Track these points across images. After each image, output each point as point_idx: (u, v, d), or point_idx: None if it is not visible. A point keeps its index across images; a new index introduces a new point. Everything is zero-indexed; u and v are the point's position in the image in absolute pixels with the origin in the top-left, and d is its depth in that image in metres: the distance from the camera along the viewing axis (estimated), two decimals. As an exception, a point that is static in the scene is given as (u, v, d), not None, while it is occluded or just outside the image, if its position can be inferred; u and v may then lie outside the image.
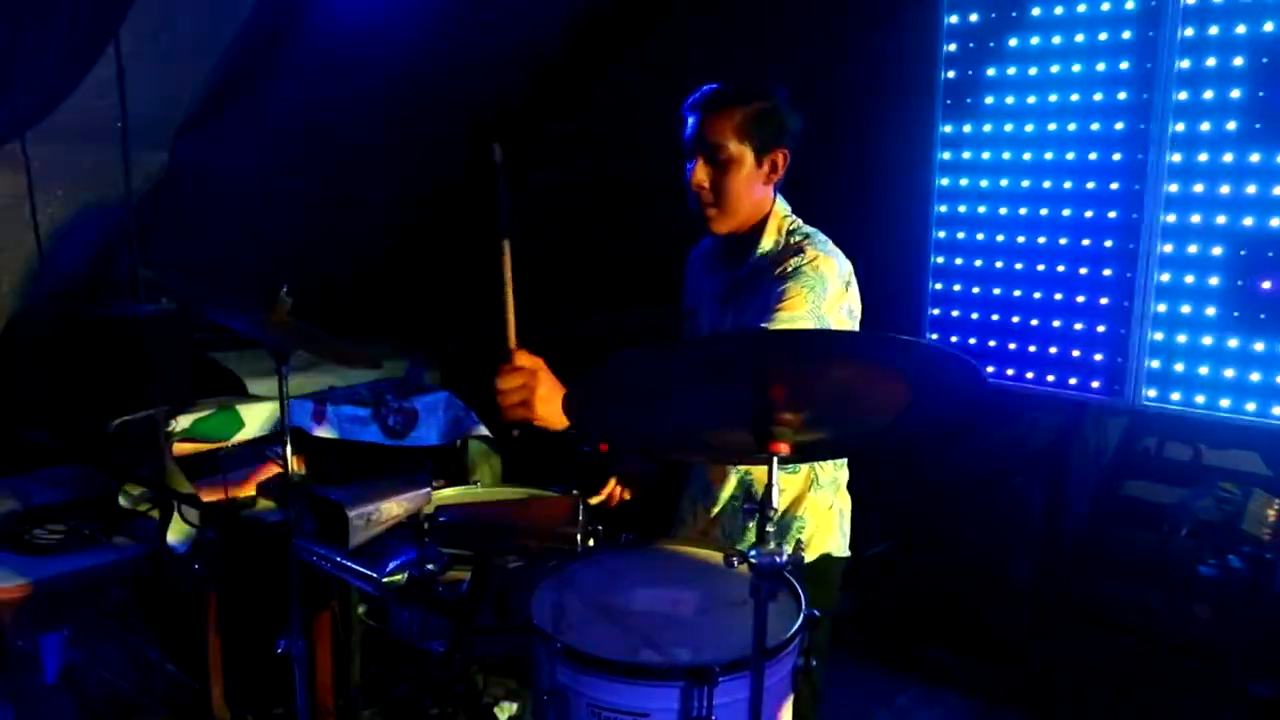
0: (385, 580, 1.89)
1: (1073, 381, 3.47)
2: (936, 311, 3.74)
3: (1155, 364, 3.27)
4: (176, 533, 2.57)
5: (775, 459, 1.53)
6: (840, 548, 2.40)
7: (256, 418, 2.99)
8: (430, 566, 1.91)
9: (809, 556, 2.30)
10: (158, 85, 3.25)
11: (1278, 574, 1.31)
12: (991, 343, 3.63)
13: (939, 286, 3.74)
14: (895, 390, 1.52)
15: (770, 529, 1.54)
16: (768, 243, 2.24)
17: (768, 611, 1.56)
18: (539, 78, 4.21)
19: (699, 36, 3.97)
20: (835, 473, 2.37)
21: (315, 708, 3.04)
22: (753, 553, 1.53)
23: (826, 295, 2.11)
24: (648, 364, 1.49)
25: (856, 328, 2.22)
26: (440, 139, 4.19)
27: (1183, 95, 3.14)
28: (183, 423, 2.82)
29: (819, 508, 2.32)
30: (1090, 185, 3.35)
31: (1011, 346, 3.59)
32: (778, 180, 2.25)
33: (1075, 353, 3.44)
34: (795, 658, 1.85)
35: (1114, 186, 3.30)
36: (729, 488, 2.35)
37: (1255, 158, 3.03)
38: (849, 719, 3.67)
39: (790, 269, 2.13)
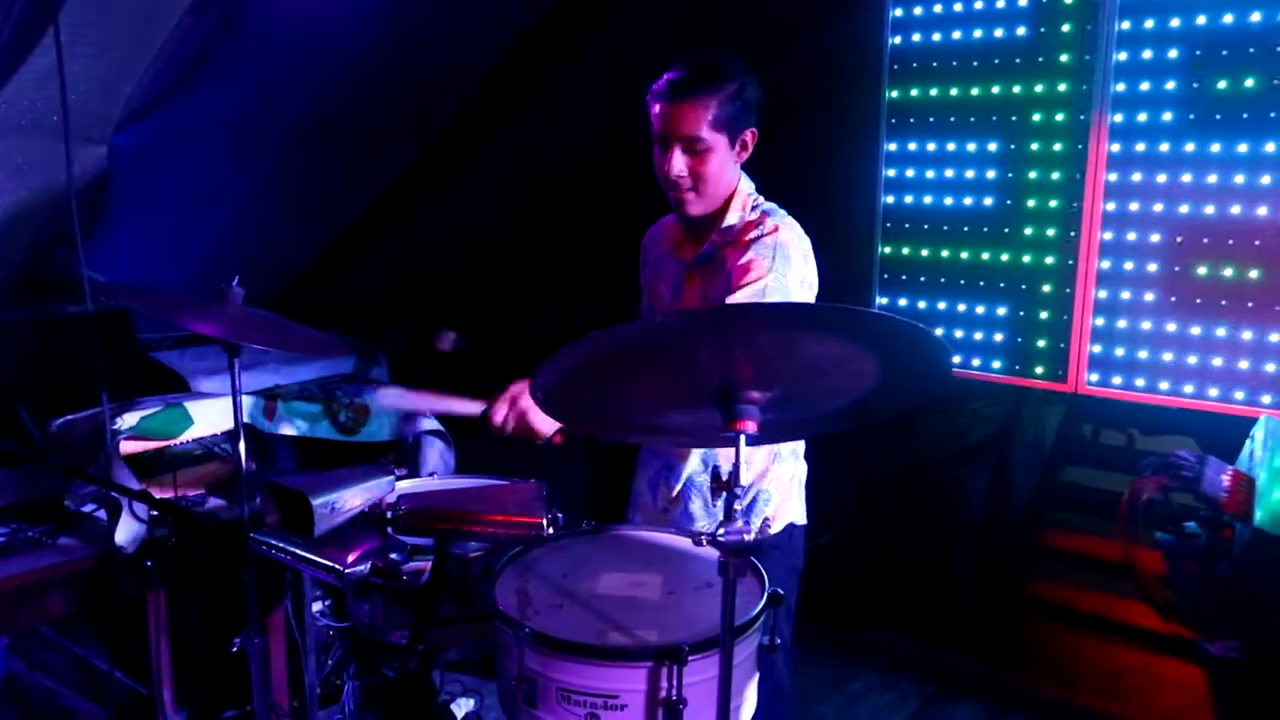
0: (348, 571, 1.87)
1: (1017, 368, 3.54)
2: (884, 300, 3.80)
3: (1097, 349, 3.35)
4: (126, 532, 2.51)
5: (743, 438, 1.54)
6: (801, 515, 2.45)
7: (206, 414, 2.93)
8: (394, 556, 1.89)
9: (775, 528, 2.34)
10: (95, 77, 3.18)
11: (1236, 537, 1.36)
12: (938, 331, 3.69)
13: (886, 276, 3.79)
14: (861, 368, 1.54)
15: (739, 506, 1.55)
16: (732, 218, 2.27)
17: (719, 593, 1.57)
18: (491, 74, 4.19)
19: (647, 32, 3.99)
20: (795, 444, 2.42)
21: (270, 708, 3.00)
22: (721, 531, 1.54)
23: (789, 265, 2.16)
24: (612, 343, 1.49)
25: (811, 294, 2.26)
26: (389, 134, 4.15)
27: (1120, 87, 3.23)
28: (129, 420, 2.76)
29: (782, 480, 2.37)
30: (1033, 175, 3.42)
31: (958, 334, 3.65)
32: (748, 158, 2.29)
33: (1019, 339, 3.51)
34: (760, 636, 1.87)
35: (1055, 176, 3.38)
36: (692, 463, 2.38)
37: (1190, 147, 3.13)
38: (802, 705, 3.70)
39: (751, 239, 2.19)
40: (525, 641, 1.73)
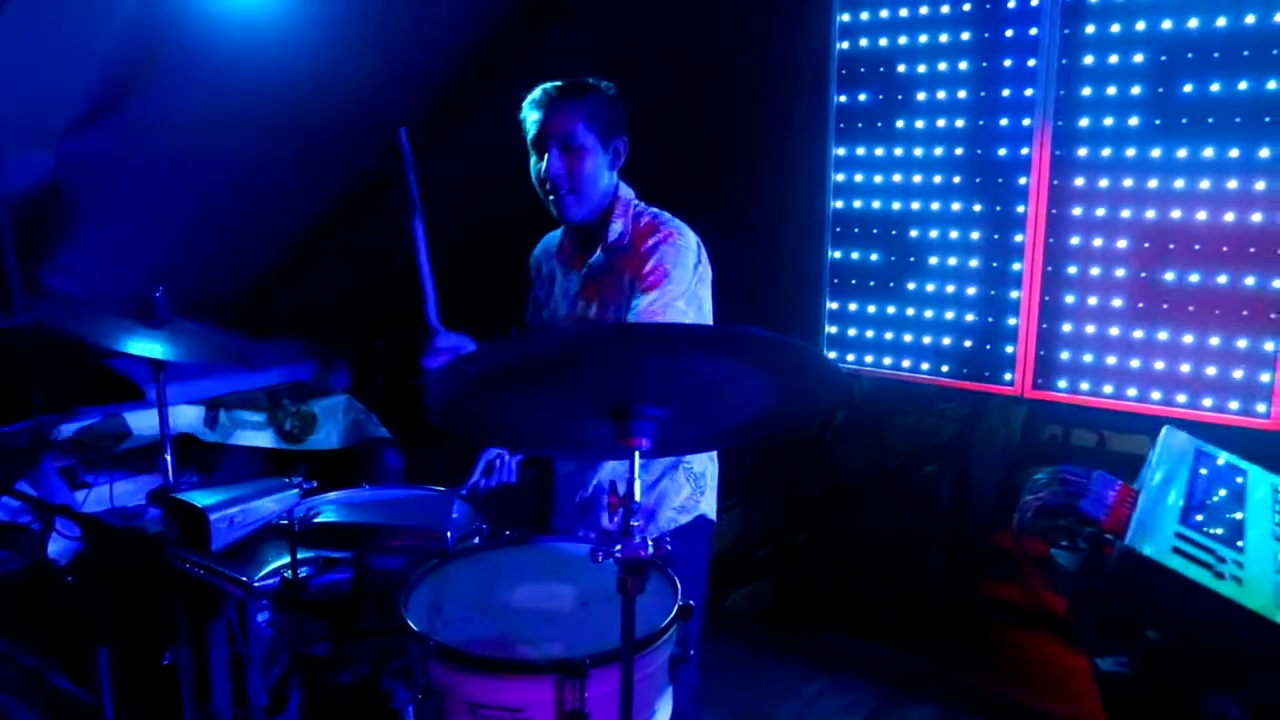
0: (256, 585, 1.87)
1: (965, 371, 3.54)
2: (834, 305, 3.79)
3: (1043, 353, 3.36)
4: (57, 544, 2.51)
5: (637, 454, 1.54)
6: (713, 510, 2.50)
7: (145, 424, 2.93)
8: (305, 570, 1.89)
9: (685, 519, 2.41)
10: (37, 83, 3.16)
11: (1114, 553, 1.36)
12: (888, 335, 3.69)
13: (836, 280, 3.79)
14: (757, 388, 1.54)
15: (636, 522, 1.55)
16: (617, 226, 2.35)
17: (642, 602, 1.57)
18: (444, 81, 4.18)
19: (598, 38, 3.98)
20: None
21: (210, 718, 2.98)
22: (617, 547, 1.54)
23: (687, 268, 2.25)
24: (509, 356, 1.48)
25: (710, 293, 2.34)
26: (342, 140, 4.13)
27: (1062, 91, 3.23)
28: (66, 431, 2.76)
29: (692, 472, 2.43)
30: (978, 180, 3.43)
31: (907, 339, 3.65)
32: (620, 166, 2.37)
33: (967, 343, 3.51)
34: (671, 648, 1.86)
35: (1000, 181, 3.38)
36: (604, 469, 2.42)
37: (1130, 152, 3.13)
38: (756, 708, 3.70)
39: (648, 247, 2.26)
40: (431, 654, 1.74)
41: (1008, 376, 3.45)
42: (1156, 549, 1.34)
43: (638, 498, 1.55)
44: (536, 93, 2.32)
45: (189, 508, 1.74)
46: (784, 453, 4.79)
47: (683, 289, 2.21)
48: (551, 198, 2.32)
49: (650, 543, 1.55)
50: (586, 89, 2.31)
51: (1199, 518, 1.50)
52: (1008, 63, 3.32)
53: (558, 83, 2.31)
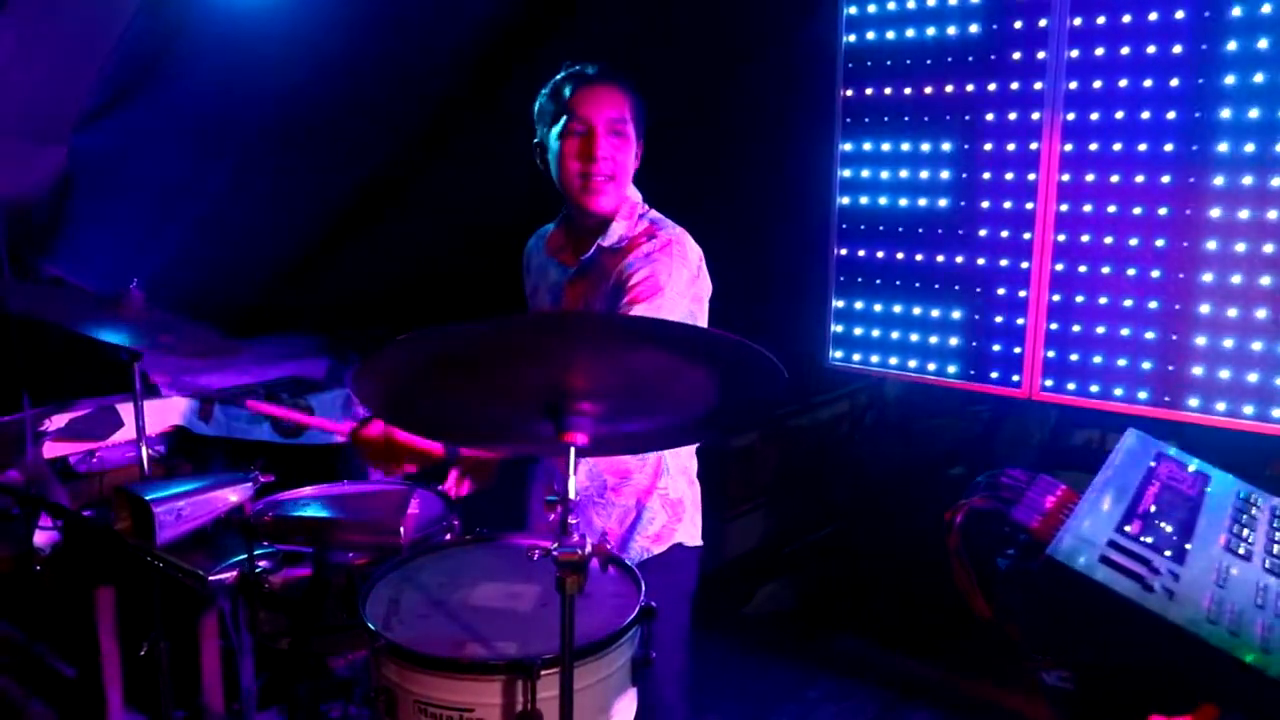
0: (211, 579, 1.86)
1: (972, 372, 3.46)
2: (841, 303, 3.73)
3: (1051, 354, 3.27)
4: (41, 534, 2.53)
5: (572, 449, 1.51)
6: (692, 537, 2.38)
7: (138, 417, 2.94)
8: (262, 564, 1.87)
9: (659, 548, 2.30)
10: (49, 77, 3.19)
11: (1041, 563, 1.30)
12: (894, 334, 3.62)
13: (842, 278, 3.72)
14: (698, 385, 1.50)
15: (573, 520, 1.52)
16: (619, 227, 2.22)
17: (602, 602, 1.54)
18: (453, 76, 4.17)
19: (606, 39, 3.95)
20: (685, 462, 2.36)
21: (203, 712, 2.99)
22: (555, 546, 1.51)
23: (681, 280, 2.11)
24: (436, 346, 1.45)
25: (706, 313, 2.22)
26: (361, 130, 4.14)
27: (1073, 85, 3.15)
28: (57, 423, 2.78)
29: (669, 499, 2.31)
30: (986, 176, 3.35)
31: (914, 338, 3.58)
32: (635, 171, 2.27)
33: (974, 344, 3.43)
34: (632, 649, 1.82)
35: (1009, 177, 3.30)
36: (579, 476, 2.33)
37: (1143, 146, 3.04)
38: (754, 712, 3.66)
39: (643, 254, 2.13)
40: (382, 652, 1.71)
41: (1014, 379, 3.36)
42: (1082, 558, 1.27)
43: (573, 495, 1.51)
44: (589, 68, 2.15)
45: (136, 499, 1.74)
46: (811, 453, 4.74)
47: (674, 306, 2.06)
48: (586, 181, 2.15)
49: (589, 542, 1.52)
50: (630, 82, 2.18)
51: (1139, 526, 1.42)
52: (1016, 55, 3.24)
53: (604, 65, 2.16)
